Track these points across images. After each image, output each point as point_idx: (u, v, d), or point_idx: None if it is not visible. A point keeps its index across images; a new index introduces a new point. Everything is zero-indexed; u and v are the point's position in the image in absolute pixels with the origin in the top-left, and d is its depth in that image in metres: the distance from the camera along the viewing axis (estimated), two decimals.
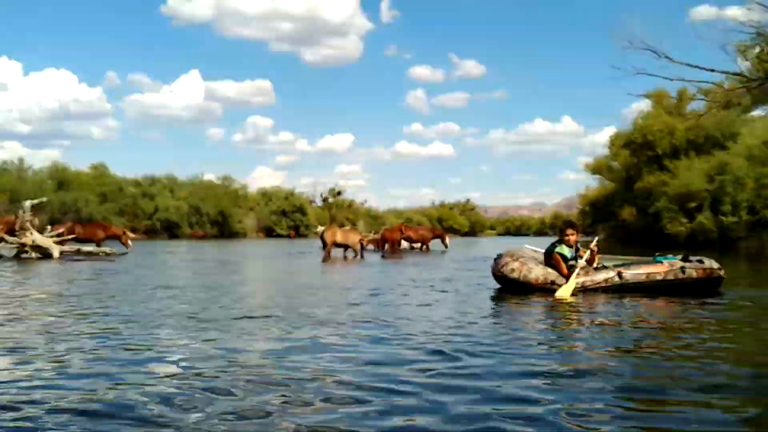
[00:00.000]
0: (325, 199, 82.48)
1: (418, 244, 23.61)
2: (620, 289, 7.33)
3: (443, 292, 7.86)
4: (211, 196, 61.20)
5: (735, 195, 26.59)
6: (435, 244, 24.39)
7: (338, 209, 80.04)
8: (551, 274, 7.54)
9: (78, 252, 15.85)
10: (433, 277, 10.13)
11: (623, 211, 43.36)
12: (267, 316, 5.40)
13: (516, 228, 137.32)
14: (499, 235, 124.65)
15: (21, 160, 50.29)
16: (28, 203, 15.26)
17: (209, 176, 67.47)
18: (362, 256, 17.20)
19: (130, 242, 19.54)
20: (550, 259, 7.70)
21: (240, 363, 3.56)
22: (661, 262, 7.63)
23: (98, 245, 18.12)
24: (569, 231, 7.77)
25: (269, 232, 68.30)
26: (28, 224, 14.73)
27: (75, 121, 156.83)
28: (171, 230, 55.18)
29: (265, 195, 72.32)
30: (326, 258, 16.58)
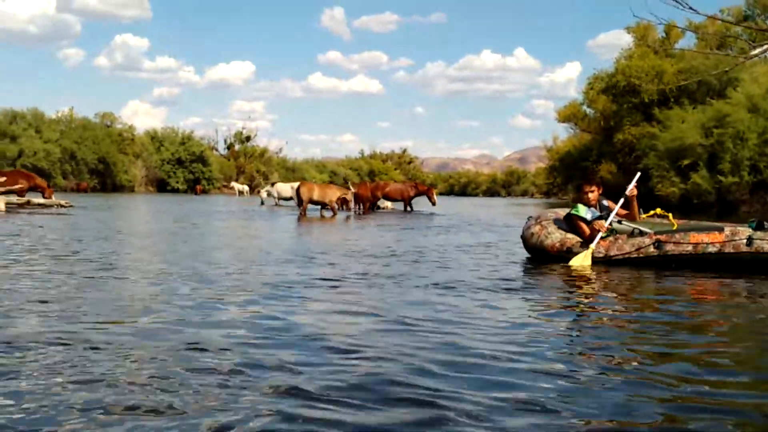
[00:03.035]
0: (230, 146, 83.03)
1: (389, 203, 25.53)
2: (660, 263, 7.23)
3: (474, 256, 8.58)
4: (88, 139, 61.10)
5: (736, 152, 29.70)
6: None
7: (247, 159, 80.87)
8: (570, 239, 7.69)
9: (29, 204, 17.18)
10: (451, 243, 11.05)
11: (601, 167, 46.56)
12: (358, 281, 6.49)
13: (462, 186, 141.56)
14: (441, 194, 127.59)
15: None
16: None
17: (80, 112, 66.77)
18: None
19: (53, 196, 20.76)
20: (570, 223, 7.87)
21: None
22: (722, 231, 7.19)
23: (21, 197, 19.34)
24: (587, 188, 7.78)
25: (161, 186, 68.80)
26: None
27: None
28: None
29: (155, 139, 72.41)
30: (302, 216, 18.49)
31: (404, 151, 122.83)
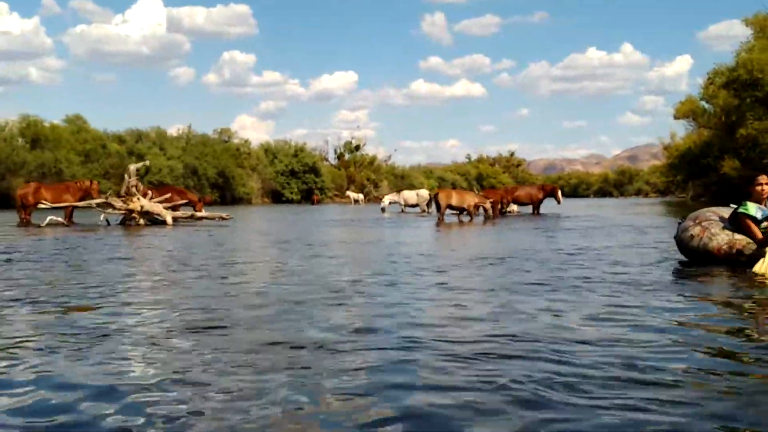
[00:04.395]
0: (340, 156, 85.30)
1: (515, 207, 26.36)
2: None
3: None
4: (208, 154, 64.00)
5: None
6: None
7: (357, 168, 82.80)
8: (739, 241, 7.15)
9: (192, 217, 19.01)
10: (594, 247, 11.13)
11: (724, 163, 45.81)
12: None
13: (572, 187, 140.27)
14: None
15: None
16: (132, 167, 18.29)
17: (194, 128, 69.91)
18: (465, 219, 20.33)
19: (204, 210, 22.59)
20: (737, 223, 7.31)
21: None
22: None
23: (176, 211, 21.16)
24: (762, 178, 7.27)
25: (276, 197, 71.30)
26: (134, 189, 17.78)
27: (7, 61, 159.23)
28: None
29: (269, 152, 75.10)
30: (440, 222, 19.52)
31: (512, 154, 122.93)
